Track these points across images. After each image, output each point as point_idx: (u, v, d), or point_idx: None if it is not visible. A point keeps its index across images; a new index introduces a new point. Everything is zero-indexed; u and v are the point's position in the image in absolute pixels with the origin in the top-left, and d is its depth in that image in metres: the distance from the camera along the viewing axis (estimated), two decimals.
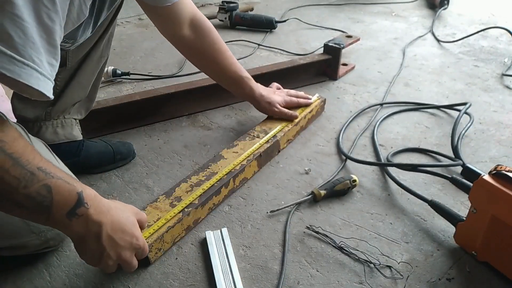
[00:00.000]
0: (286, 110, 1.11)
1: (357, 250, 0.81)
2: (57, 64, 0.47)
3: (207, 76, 1.32)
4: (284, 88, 1.40)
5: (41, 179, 0.52)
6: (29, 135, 0.73)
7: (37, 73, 0.43)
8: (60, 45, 0.50)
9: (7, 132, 0.50)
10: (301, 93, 1.20)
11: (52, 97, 0.47)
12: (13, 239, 0.72)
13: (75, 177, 0.59)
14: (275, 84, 1.21)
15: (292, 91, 1.19)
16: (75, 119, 0.98)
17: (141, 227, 0.70)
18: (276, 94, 1.14)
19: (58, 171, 0.55)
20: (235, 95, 1.15)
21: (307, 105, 1.18)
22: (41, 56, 0.44)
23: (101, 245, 0.59)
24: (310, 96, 1.21)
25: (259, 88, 1.11)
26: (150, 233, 0.77)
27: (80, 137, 0.99)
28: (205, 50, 1.01)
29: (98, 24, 0.76)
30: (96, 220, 0.58)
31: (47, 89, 0.45)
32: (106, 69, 1.45)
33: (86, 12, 0.58)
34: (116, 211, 0.62)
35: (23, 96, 0.93)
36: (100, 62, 0.96)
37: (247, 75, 1.09)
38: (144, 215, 0.72)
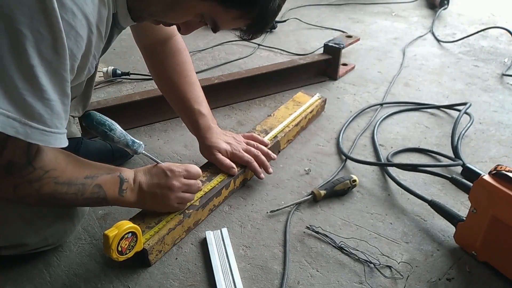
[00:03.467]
0: (224, 161, 0.92)
1: (357, 250, 0.81)
2: (69, 108, 0.59)
3: (207, 77, 1.32)
4: (283, 88, 1.41)
5: (90, 183, 0.68)
6: None
7: (60, 135, 0.57)
8: None
9: (58, 161, 0.63)
10: (263, 160, 0.96)
11: (66, 145, 0.59)
12: (12, 237, 0.72)
13: (109, 165, 0.73)
14: (245, 134, 1.03)
15: (253, 151, 0.96)
16: (73, 116, 0.99)
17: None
18: (227, 142, 0.96)
19: (100, 169, 0.70)
20: (187, 127, 1.01)
21: (255, 172, 0.96)
22: (62, 120, 0.57)
23: (150, 194, 0.77)
24: (270, 169, 0.97)
25: (208, 129, 0.96)
26: (151, 235, 0.77)
27: (78, 134, 0.99)
28: (166, 68, 0.96)
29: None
30: (135, 184, 0.76)
31: (65, 141, 0.58)
32: (106, 69, 1.46)
33: (94, 66, 0.66)
34: (144, 169, 0.79)
35: None
36: None
37: (202, 110, 0.95)
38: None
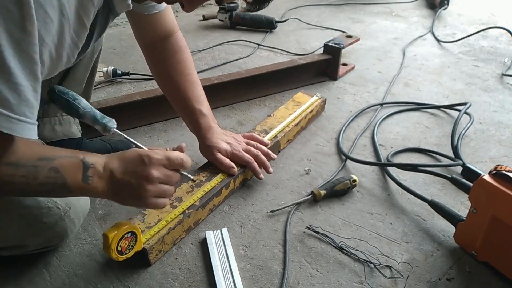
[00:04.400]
0: (224, 161, 0.93)
1: (357, 250, 0.81)
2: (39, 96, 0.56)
3: (207, 77, 1.32)
4: (283, 88, 1.41)
5: (44, 166, 0.59)
6: None
7: (28, 125, 0.53)
8: None
9: (5, 147, 0.56)
10: (263, 160, 0.96)
11: (37, 137, 0.55)
12: (13, 238, 0.72)
13: (73, 149, 0.65)
14: (245, 134, 1.03)
15: (253, 151, 0.96)
16: (73, 117, 0.99)
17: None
18: (227, 142, 0.96)
19: (59, 151, 0.62)
20: (187, 126, 1.01)
21: (254, 172, 0.96)
22: (32, 109, 0.53)
23: (125, 183, 0.65)
24: (270, 169, 0.96)
25: (208, 128, 0.96)
26: (151, 234, 0.77)
27: (78, 134, 0.99)
28: (167, 66, 0.95)
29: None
30: (105, 170, 0.65)
31: (35, 133, 0.55)
32: (106, 69, 1.46)
33: (75, 55, 0.62)
34: (117, 154, 0.68)
35: None
36: (92, 57, 0.97)
37: (203, 109, 0.95)
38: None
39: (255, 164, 0.95)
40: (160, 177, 0.67)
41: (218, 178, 0.91)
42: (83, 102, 0.71)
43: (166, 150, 0.71)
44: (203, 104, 0.96)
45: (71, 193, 0.63)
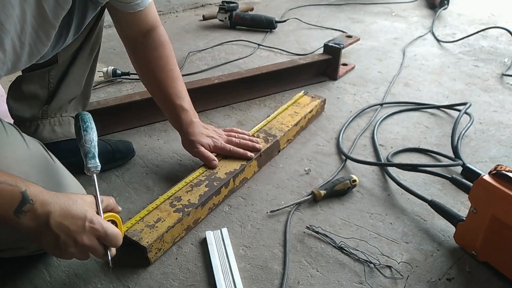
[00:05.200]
0: (206, 154, 0.96)
1: (357, 250, 0.81)
2: None
3: (207, 77, 1.32)
4: (283, 88, 1.41)
5: None
6: (24, 135, 0.73)
7: None
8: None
9: None
10: (246, 142, 1.01)
11: None
12: (13, 240, 0.71)
13: (21, 178, 0.59)
14: (225, 128, 1.07)
15: (235, 140, 1.01)
16: (73, 117, 0.99)
17: (111, 211, 0.69)
18: (209, 135, 1.00)
19: (2, 176, 0.57)
20: (169, 121, 1.04)
21: (245, 158, 0.98)
22: None
23: (53, 233, 0.60)
24: (257, 145, 1.01)
25: (190, 123, 0.98)
26: (136, 220, 0.78)
27: None
28: (149, 62, 0.95)
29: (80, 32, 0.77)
30: (43, 211, 0.59)
31: None
32: (106, 69, 1.46)
33: (41, 49, 0.61)
34: (66, 200, 0.62)
35: (18, 96, 0.94)
36: (91, 57, 0.97)
37: (184, 105, 0.97)
38: (109, 199, 0.69)
39: (238, 149, 0.98)
40: (88, 246, 0.63)
41: (199, 171, 0.94)
42: (89, 136, 0.72)
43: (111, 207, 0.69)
44: (184, 99, 0.98)
45: None
